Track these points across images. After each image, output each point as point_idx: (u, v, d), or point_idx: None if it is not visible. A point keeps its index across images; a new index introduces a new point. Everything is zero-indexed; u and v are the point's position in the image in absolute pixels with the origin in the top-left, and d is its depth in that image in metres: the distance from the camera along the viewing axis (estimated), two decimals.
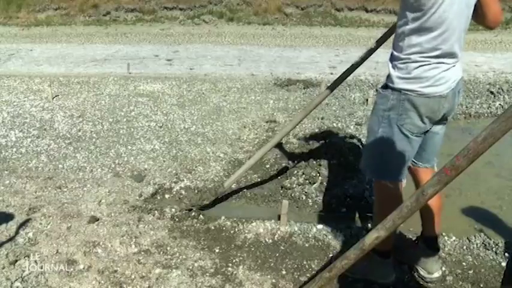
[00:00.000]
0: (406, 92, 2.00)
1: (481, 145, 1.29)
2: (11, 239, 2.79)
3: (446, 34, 1.91)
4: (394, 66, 2.04)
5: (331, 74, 7.22)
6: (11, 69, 7.98)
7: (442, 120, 2.17)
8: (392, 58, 2.06)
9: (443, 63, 1.97)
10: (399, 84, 2.01)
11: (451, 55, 1.98)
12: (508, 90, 5.90)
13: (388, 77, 2.08)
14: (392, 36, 2.17)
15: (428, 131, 2.16)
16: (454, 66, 2.02)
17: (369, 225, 3.03)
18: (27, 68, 8.10)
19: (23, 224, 2.95)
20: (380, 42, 2.53)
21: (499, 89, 5.92)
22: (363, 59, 2.61)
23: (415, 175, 2.41)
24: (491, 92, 5.88)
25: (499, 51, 9.46)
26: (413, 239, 2.69)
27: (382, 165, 2.23)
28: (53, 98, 5.70)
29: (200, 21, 13.43)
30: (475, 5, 1.96)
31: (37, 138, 4.49)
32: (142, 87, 6.18)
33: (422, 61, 1.95)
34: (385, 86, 2.11)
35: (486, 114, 5.35)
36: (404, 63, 1.99)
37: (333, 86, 2.85)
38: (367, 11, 13.52)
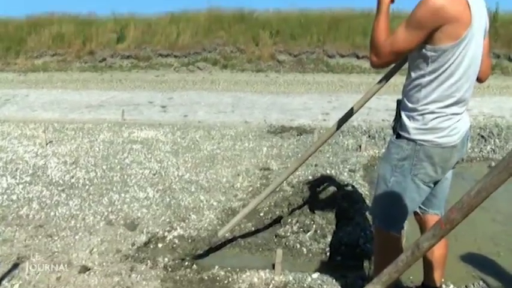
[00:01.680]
0: (421, 142, 2.02)
1: (475, 199, 1.30)
2: None
3: (461, 81, 1.95)
4: (409, 117, 2.06)
5: (324, 120, 7.30)
6: (5, 114, 8.02)
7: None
8: (407, 109, 2.07)
9: (456, 113, 2.01)
10: (415, 135, 2.03)
11: (463, 102, 2.02)
12: (498, 134, 5.97)
13: (402, 127, 2.09)
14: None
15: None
16: (463, 116, 2.07)
17: (365, 273, 2.99)
18: (22, 113, 8.15)
19: (8, 274, 2.88)
20: (387, 79, 2.50)
21: (489, 132, 6.00)
22: (369, 96, 2.58)
23: (423, 222, 2.40)
24: (482, 136, 5.95)
25: (488, 95, 9.68)
26: None
27: (391, 215, 2.24)
28: (46, 144, 5.70)
29: (194, 68, 13.68)
30: None
31: (29, 185, 4.45)
32: (136, 134, 6.20)
33: (439, 112, 1.98)
34: (399, 135, 2.12)
35: (478, 158, 5.39)
36: (421, 114, 2.01)
37: (332, 131, 2.83)
38: (358, 57, 13.86)
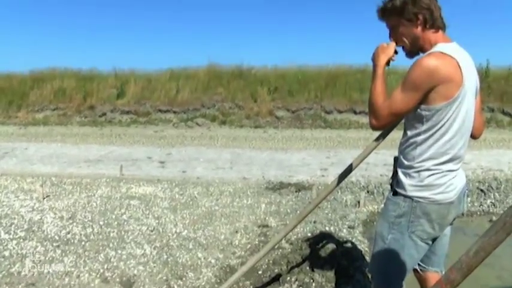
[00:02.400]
0: (418, 199, 2.04)
1: (474, 259, 1.29)
2: None
3: (455, 139, 2.01)
4: (405, 174, 2.09)
5: (323, 176, 7.31)
6: (3, 167, 8.02)
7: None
8: (403, 166, 2.11)
9: (451, 170, 2.05)
10: (411, 192, 2.06)
11: (458, 159, 2.07)
12: (497, 187, 5.97)
13: (399, 184, 2.12)
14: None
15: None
16: (458, 172, 2.10)
17: None
18: (20, 166, 8.16)
19: None
20: (383, 136, 2.54)
21: (488, 186, 6.00)
22: (364, 157, 2.62)
23: (423, 280, 2.38)
24: (481, 190, 5.95)
25: (485, 148, 9.77)
26: None
27: (390, 273, 2.22)
28: (43, 199, 5.67)
29: (193, 124, 13.82)
30: None
31: (23, 240, 4.37)
32: (134, 190, 6.19)
33: (434, 169, 2.02)
34: (395, 193, 2.14)
35: (479, 213, 5.37)
36: (417, 171, 2.05)
37: (330, 188, 2.84)
38: (355, 113, 14.06)
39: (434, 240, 2.18)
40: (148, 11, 48.32)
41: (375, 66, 2.16)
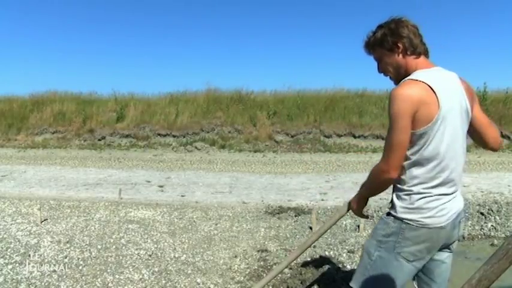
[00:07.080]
0: (407, 221, 2.06)
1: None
2: None
3: (444, 162, 2.03)
4: (397, 197, 2.12)
5: (322, 200, 7.28)
6: (1, 190, 7.99)
7: (446, 248, 2.20)
8: (395, 189, 2.15)
9: (444, 194, 2.06)
10: (402, 213, 2.08)
11: (451, 182, 2.08)
12: (497, 210, 5.94)
13: (392, 205, 2.15)
14: None
15: (428, 262, 2.17)
16: (454, 197, 2.11)
17: None
18: (18, 189, 8.13)
19: None
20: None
21: (489, 210, 5.97)
22: None
23: None
24: (482, 213, 5.91)
25: (484, 171, 9.75)
26: None
27: None
28: (41, 222, 5.63)
29: (192, 148, 13.83)
30: (470, 130, 2.18)
31: (19, 265, 4.30)
32: (133, 214, 6.16)
33: (425, 193, 2.04)
34: (388, 213, 2.17)
35: (480, 236, 5.33)
36: (407, 194, 2.08)
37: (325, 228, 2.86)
38: (354, 136, 14.11)
39: (423, 264, 2.17)
40: (148, 36, 48.93)
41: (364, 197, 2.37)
